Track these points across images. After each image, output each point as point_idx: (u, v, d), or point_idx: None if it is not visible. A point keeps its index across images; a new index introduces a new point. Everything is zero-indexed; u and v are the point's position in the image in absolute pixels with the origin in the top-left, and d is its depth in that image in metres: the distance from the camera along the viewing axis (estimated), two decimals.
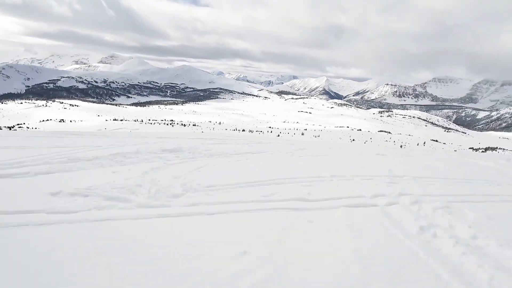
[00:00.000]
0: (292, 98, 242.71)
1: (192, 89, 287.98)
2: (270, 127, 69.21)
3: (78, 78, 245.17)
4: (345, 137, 47.14)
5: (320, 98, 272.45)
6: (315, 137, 42.14)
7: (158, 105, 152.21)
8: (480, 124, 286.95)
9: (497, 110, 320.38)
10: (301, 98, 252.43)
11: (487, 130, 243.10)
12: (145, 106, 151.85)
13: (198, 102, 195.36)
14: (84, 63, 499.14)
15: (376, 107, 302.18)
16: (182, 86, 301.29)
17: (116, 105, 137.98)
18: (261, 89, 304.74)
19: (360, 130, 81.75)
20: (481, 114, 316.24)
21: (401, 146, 33.51)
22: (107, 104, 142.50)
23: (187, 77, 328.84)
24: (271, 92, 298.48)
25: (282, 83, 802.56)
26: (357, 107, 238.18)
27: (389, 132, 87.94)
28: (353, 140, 41.64)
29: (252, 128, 61.64)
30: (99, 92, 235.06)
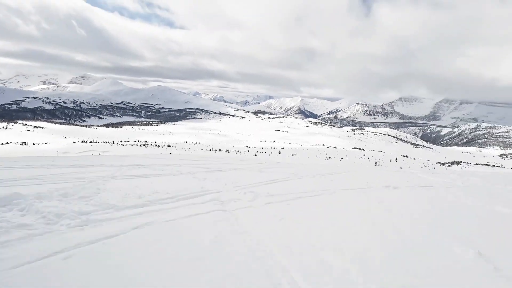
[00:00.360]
0: (268, 118, 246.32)
1: (167, 110, 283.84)
2: (247, 147, 68.75)
3: (45, 99, 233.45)
4: (321, 155, 47.58)
5: (296, 117, 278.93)
6: (292, 155, 42.08)
7: (131, 126, 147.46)
8: (444, 140, 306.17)
9: (458, 126, 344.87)
10: (278, 117, 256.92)
11: (450, 145, 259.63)
12: (117, 127, 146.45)
13: (173, 123, 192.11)
14: (53, 83, 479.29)
15: (349, 125, 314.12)
16: (157, 107, 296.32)
17: (86, 126, 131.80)
18: (238, 109, 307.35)
19: (336, 147, 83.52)
20: (445, 131, 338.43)
21: (376, 163, 34.16)
22: (76, 125, 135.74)
23: (162, 98, 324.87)
24: (248, 111, 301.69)
25: (259, 103, 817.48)
26: (331, 125, 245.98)
27: (363, 149, 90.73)
28: (330, 157, 42.06)
29: (229, 147, 60.79)
30: (68, 113, 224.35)
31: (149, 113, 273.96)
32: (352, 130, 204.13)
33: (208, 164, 10.54)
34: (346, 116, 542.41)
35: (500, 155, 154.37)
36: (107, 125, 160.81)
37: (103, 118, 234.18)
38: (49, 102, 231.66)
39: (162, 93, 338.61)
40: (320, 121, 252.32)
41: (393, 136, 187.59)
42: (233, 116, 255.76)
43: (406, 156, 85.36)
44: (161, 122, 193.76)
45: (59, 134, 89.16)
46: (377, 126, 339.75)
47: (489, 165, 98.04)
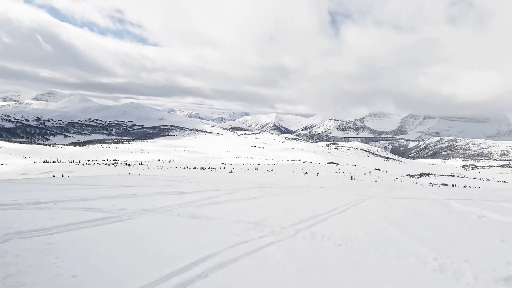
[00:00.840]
0: (244, 134, 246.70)
1: (140, 127, 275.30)
2: (223, 163, 67.35)
3: (4, 117, 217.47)
4: (298, 170, 47.42)
5: (272, 133, 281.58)
6: (269, 171, 41.44)
7: (101, 144, 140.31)
8: (412, 153, 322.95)
9: (423, 140, 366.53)
10: (254, 133, 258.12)
11: (418, 157, 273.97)
12: (85, 145, 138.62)
13: (147, 140, 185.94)
14: (15, 100, 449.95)
15: (323, 140, 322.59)
16: (129, 124, 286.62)
17: (50, 145, 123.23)
18: (214, 126, 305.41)
19: (311, 162, 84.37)
20: (412, 144, 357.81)
21: (351, 178, 34.38)
22: (38, 144, 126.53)
23: (135, 115, 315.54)
24: (224, 128, 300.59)
25: (235, 119, 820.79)
26: (306, 141, 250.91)
27: (337, 164, 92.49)
28: (306, 173, 41.90)
29: (205, 165, 59.11)
30: (30, 131, 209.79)
31: (121, 131, 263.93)
32: (326, 145, 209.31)
33: (172, 185, 9.58)
34: (320, 132, 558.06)
35: (462, 166, 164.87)
36: (74, 144, 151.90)
37: (70, 136, 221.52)
38: (9, 120, 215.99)
39: (134, 110, 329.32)
40: (296, 137, 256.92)
41: (365, 150, 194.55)
42: (209, 132, 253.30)
43: (379, 169, 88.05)
44: (133, 140, 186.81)
45: (19, 153, 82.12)
46: (350, 141, 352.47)
47: (454, 175, 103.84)
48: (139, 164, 55.75)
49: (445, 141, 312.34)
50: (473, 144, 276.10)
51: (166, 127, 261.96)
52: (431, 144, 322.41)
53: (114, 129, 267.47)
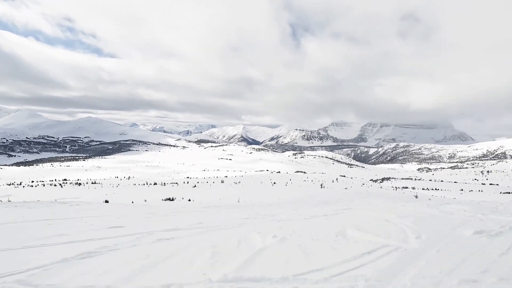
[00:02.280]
0: (211, 146, 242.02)
1: (98, 143, 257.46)
2: (188, 177, 63.79)
3: None
4: (266, 181, 45.92)
5: (239, 145, 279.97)
6: (236, 183, 39.37)
7: (51, 163, 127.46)
8: (372, 159, 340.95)
9: (381, 146, 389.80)
10: (221, 145, 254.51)
11: (378, 163, 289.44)
12: (32, 165, 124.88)
13: (105, 156, 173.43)
14: None
15: (290, 150, 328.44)
16: (86, 140, 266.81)
17: None
18: (179, 139, 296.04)
19: (279, 172, 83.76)
20: (372, 151, 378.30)
21: (321, 186, 33.59)
22: None
23: (92, 130, 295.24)
24: (190, 141, 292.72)
25: (201, 132, 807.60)
26: (273, 151, 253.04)
27: (305, 172, 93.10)
28: (274, 183, 40.51)
29: (168, 180, 55.28)
30: None
31: (76, 148, 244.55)
32: (293, 154, 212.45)
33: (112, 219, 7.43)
34: (287, 142, 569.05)
35: (418, 169, 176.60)
36: (19, 164, 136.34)
37: (15, 155, 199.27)
38: None
39: (92, 125, 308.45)
40: (263, 147, 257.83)
41: (330, 158, 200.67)
42: (174, 146, 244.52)
43: (344, 176, 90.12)
44: (90, 157, 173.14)
45: None
46: (315, 149, 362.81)
47: (412, 178, 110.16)
48: (92, 183, 50.38)
49: (401, 147, 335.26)
50: (425, 149, 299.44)
51: (127, 142, 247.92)
52: (389, 150, 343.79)
53: (68, 146, 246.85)
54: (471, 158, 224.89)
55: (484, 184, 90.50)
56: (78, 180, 63.16)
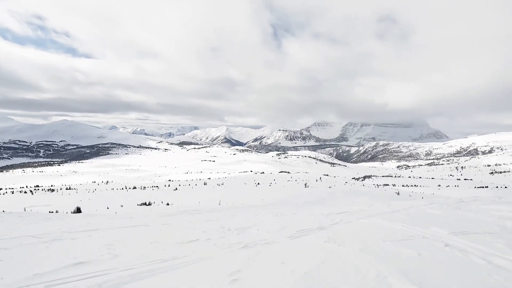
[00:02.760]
0: (194, 148, 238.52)
1: (75, 146, 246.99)
2: (169, 180, 62.01)
3: None
4: (250, 181, 45.25)
5: (223, 146, 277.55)
6: (219, 185, 38.42)
7: (23, 169, 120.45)
8: (354, 158, 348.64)
9: (362, 145, 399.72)
10: (204, 147, 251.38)
11: (359, 161, 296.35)
12: (2, 171, 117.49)
13: (82, 161, 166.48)
14: None
15: (274, 150, 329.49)
16: (61, 144, 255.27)
17: None
18: (161, 141, 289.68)
19: (263, 173, 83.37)
20: (353, 150, 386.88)
21: (305, 185, 33.31)
22: None
23: (68, 133, 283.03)
24: (172, 143, 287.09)
25: (184, 134, 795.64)
26: (257, 152, 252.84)
27: (289, 172, 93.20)
28: (258, 183, 39.90)
29: (148, 183, 53.38)
30: None
31: (51, 152, 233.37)
32: (277, 155, 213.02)
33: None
34: (270, 142, 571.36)
35: (397, 167, 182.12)
36: None
37: None
38: None
39: (68, 129, 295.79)
40: (247, 148, 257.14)
41: (313, 158, 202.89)
42: (155, 149, 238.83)
43: (327, 175, 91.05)
44: (65, 162, 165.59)
45: None
46: (298, 149, 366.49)
47: (392, 176, 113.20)
48: (67, 189, 47.69)
49: (381, 145, 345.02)
50: (403, 147, 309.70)
51: (106, 146, 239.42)
52: (369, 149, 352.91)
53: (42, 151, 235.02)
54: (446, 155, 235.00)
55: (459, 179, 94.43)
56: (51, 186, 59.77)
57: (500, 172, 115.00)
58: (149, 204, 20.43)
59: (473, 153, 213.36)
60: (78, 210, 17.78)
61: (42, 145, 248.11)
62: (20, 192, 45.16)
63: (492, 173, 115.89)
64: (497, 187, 61.56)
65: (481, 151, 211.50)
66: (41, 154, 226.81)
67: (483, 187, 60.66)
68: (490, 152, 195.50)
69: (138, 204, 20.49)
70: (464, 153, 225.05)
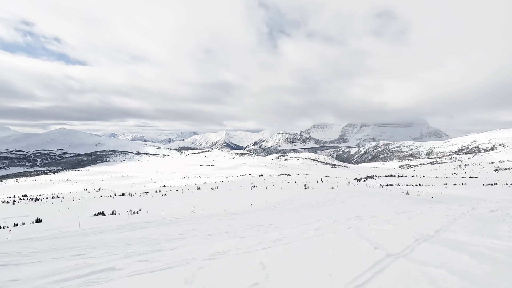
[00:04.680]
0: (193, 153, 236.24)
1: (72, 154, 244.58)
2: (164, 186, 59.41)
3: None
4: (246, 185, 42.67)
5: (222, 151, 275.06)
6: (213, 189, 35.85)
7: (16, 179, 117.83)
8: (354, 158, 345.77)
9: (362, 146, 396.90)
10: (203, 152, 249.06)
11: (360, 162, 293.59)
12: None
13: (79, 169, 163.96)
14: None
15: (273, 154, 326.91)
16: (58, 152, 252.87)
17: None
18: (159, 147, 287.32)
19: (262, 175, 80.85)
20: (353, 150, 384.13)
21: (305, 186, 30.76)
22: None
23: (65, 142, 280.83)
24: (171, 149, 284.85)
25: (183, 139, 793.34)
26: (257, 155, 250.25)
27: (289, 174, 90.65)
28: (255, 186, 37.32)
29: (139, 190, 50.82)
30: None
31: (48, 161, 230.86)
32: (277, 157, 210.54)
33: None
34: (270, 145, 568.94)
35: (399, 166, 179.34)
36: None
37: None
38: None
39: (65, 137, 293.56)
40: (246, 152, 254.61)
41: (314, 159, 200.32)
42: (154, 155, 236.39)
43: (328, 176, 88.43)
44: (62, 170, 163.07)
45: None
46: (298, 152, 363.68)
47: (394, 175, 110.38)
48: (53, 197, 45.20)
49: (381, 146, 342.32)
50: (404, 146, 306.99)
51: (103, 153, 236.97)
52: (370, 149, 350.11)
53: (39, 160, 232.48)
54: (448, 153, 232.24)
55: (464, 177, 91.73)
56: (40, 195, 57.22)
57: (505, 169, 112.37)
58: (114, 213, 18.03)
59: (475, 150, 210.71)
60: (39, 221, 15.33)
61: (39, 154, 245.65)
62: (3, 202, 42.59)
63: (496, 170, 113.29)
64: (506, 184, 58.98)
65: (483, 149, 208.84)
66: (38, 163, 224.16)
67: (491, 184, 58.07)
68: (492, 149, 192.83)
69: (94, 214, 18.10)
70: (465, 151, 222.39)
